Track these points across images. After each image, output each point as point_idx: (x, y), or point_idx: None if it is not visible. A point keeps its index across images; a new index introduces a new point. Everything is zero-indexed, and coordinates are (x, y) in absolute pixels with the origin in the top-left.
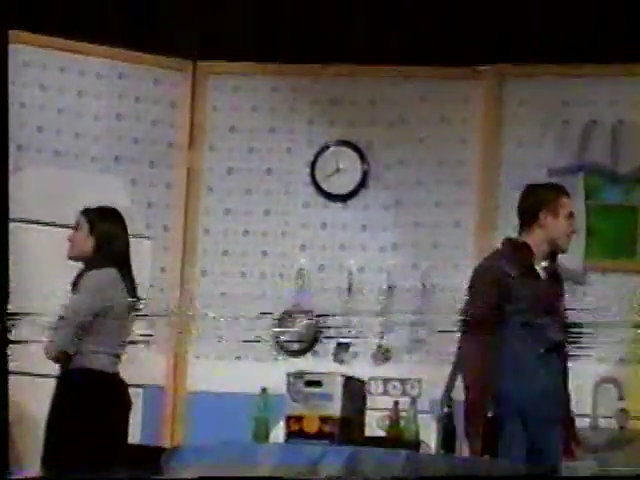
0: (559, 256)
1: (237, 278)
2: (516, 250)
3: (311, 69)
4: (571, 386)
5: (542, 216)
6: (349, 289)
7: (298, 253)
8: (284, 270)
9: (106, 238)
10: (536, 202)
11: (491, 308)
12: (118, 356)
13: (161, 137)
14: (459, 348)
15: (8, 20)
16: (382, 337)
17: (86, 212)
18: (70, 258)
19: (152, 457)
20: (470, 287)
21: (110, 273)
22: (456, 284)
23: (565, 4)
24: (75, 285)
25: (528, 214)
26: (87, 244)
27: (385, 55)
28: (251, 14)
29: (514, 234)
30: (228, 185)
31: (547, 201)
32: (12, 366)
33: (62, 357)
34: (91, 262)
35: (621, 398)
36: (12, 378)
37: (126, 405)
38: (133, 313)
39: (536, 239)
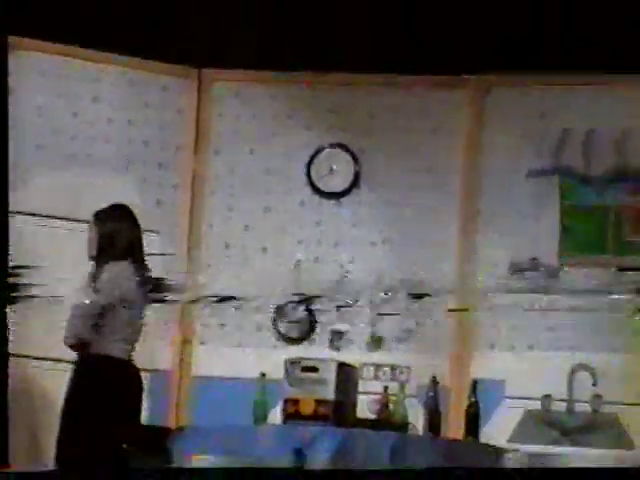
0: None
1: (238, 270)
2: None
3: (309, 78)
4: (547, 373)
5: None
6: (342, 281)
7: (295, 247)
8: (282, 263)
9: (109, 234)
10: None
11: None
12: (132, 344)
13: (169, 141)
14: None
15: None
16: (374, 326)
17: (93, 215)
18: (89, 258)
19: (160, 437)
20: None
21: (122, 265)
22: (440, 277)
23: (546, 17)
24: (92, 278)
25: None
26: (94, 243)
27: (380, 64)
28: (254, 25)
29: (494, 234)
30: (230, 185)
31: None
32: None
33: (79, 345)
34: (102, 257)
35: (595, 384)
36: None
37: (139, 389)
38: (147, 303)
39: None
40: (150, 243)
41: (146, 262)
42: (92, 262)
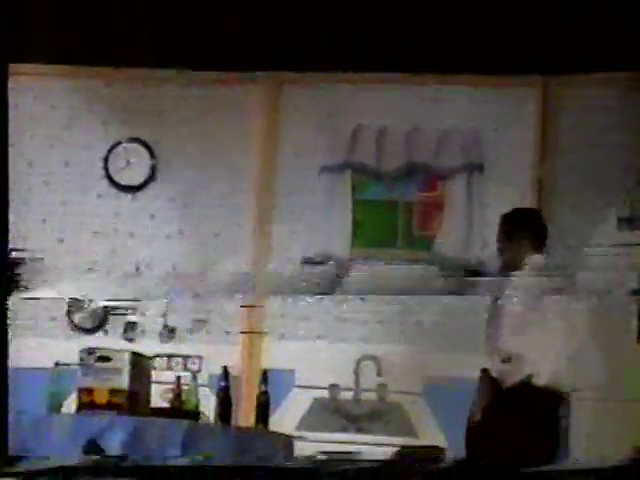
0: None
1: (35, 263)
2: None
3: (105, 73)
4: (335, 363)
5: None
6: (137, 273)
7: (92, 240)
8: (79, 255)
9: None
10: None
11: None
12: None
13: None
14: None
15: None
16: (167, 317)
17: None
18: None
19: None
20: None
21: None
22: (235, 269)
23: (338, 16)
24: None
25: None
26: None
27: (175, 60)
28: (50, 20)
29: (288, 227)
30: (28, 177)
31: None
32: None
33: None
34: None
35: (379, 374)
36: None
37: None
38: None
39: None
40: None
41: None
42: None
